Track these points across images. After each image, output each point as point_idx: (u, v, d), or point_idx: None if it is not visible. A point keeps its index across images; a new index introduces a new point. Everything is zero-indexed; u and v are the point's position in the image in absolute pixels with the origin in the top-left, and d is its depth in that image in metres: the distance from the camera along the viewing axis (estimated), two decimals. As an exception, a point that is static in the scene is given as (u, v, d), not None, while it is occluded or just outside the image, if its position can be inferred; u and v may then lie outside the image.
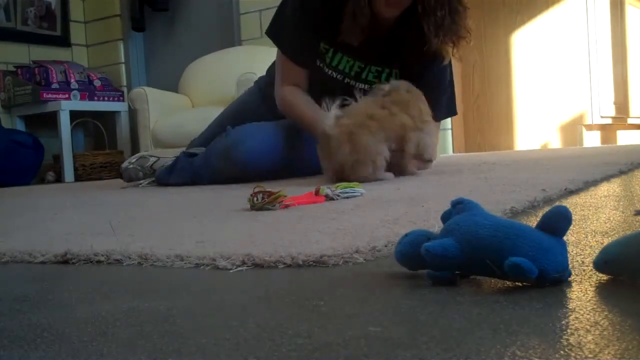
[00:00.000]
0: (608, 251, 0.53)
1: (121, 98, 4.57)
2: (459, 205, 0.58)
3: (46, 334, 0.48)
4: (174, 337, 0.45)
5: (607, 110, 3.71)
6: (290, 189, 1.44)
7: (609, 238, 0.70)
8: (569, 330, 0.40)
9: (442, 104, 2.00)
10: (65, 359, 0.42)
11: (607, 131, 3.89)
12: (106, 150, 4.56)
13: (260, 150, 1.95)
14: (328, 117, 1.65)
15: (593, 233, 0.75)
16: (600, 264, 0.53)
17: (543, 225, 0.53)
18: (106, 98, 4.50)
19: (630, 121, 4.10)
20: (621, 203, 1.02)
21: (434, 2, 1.75)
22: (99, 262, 0.79)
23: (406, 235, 0.60)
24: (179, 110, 4.02)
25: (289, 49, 1.99)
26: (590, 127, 3.67)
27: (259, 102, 2.23)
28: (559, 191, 1.15)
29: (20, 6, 4.54)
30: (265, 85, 2.19)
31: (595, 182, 1.33)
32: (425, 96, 1.89)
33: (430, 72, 1.92)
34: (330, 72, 1.96)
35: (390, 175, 1.69)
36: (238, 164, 1.95)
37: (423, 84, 1.89)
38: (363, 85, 1.96)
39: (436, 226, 0.76)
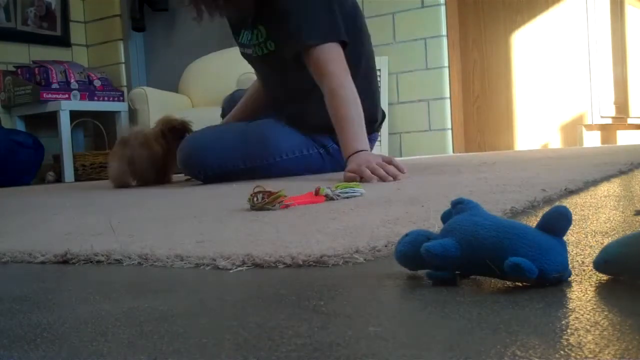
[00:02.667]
0: (608, 251, 0.53)
1: (121, 98, 4.57)
2: (459, 205, 0.58)
3: (46, 334, 0.48)
4: (174, 337, 0.45)
5: (607, 110, 3.71)
6: (290, 189, 1.44)
7: (609, 238, 0.70)
8: (569, 330, 0.40)
9: (302, 28, 1.90)
10: (65, 359, 0.42)
11: (607, 131, 3.89)
12: (106, 150, 4.55)
13: (218, 157, 2.04)
14: None
15: (593, 233, 0.75)
16: (600, 264, 0.53)
17: (543, 225, 0.53)
18: (106, 98, 4.50)
19: (630, 121, 4.10)
20: (621, 203, 1.02)
21: None
22: (99, 262, 0.79)
23: (406, 235, 0.60)
24: (179, 110, 4.01)
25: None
26: (590, 127, 3.67)
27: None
28: (559, 191, 1.15)
29: (20, 6, 4.54)
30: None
31: (595, 182, 1.33)
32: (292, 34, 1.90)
33: (282, 19, 1.93)
34: (244, 50, 2.15)
35: None
36: (197, 171, 2.08)
37: (283, 28, 1.92)
38: (257, 51, 2.07)
39: (436, 226, 0.76)
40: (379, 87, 2.75)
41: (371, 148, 1.89)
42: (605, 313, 0.44)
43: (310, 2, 1.91)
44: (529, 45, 3.74)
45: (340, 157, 1.86)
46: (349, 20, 1.96)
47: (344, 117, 1.75)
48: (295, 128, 2.07)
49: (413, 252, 0.57)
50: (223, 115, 2.47)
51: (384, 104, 3.57)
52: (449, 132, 3.81)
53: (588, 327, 0.40)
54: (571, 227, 0.66)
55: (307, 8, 1.90)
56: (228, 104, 2.45)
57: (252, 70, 3.22)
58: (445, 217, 0.59)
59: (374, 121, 2.14)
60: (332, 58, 1.82)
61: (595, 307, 0.45)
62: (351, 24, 1.97)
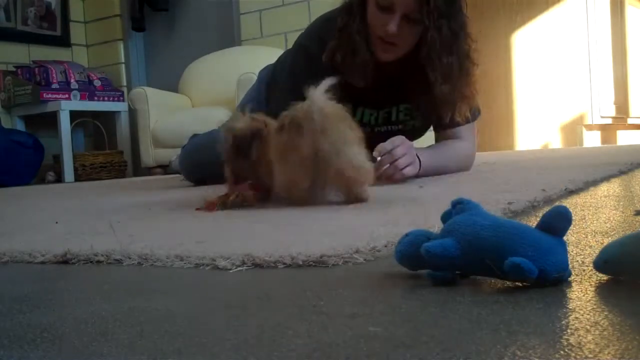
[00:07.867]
0: (608, 251, 0.53)
1: (121, 98, 4.57)
2: (459, 205, 0.58)
3: (46, 334, 0.48)
4: (174, 337, 0.45)
5: (607, 110, 3.71)
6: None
7: (609, 238, 0.70)
8: (569, 330, 0.40)
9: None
10: (65, 359, 0.42)
11: (607, 131, 3.89)
12: (106, 150, 4.55)
13: (209, 163, 2.04)
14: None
15: (593, 233, 0.75)
16: (600, 264, 0.53)
17: (543, 225, 0.53)
18: (106, 98, 4.50)
19: (630, 121, 4.10)
20: (621, 203, 1.02)
21: (439, 46, 1.54)
22: (99, 262, 0.79)
23: (406, 235, 0.60)
24: (179, 110, 4.02)
25: None
26: (590, 127, 3.67)
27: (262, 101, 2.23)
28: (559, 191, 1.15)
29: (20, 6, 4.54)
30: (267, 84, 2.19)
31: (595, 182, 1.33)
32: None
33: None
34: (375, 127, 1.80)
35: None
36: (191, 171, 2.16)
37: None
38: (397, 127, 1.79)
39: (436, 226, 0.76)
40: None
41: None
42: (605, 313, 0.44)
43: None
44: (529, 46, 3.74)
45: None
46: None
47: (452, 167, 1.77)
48: None
49: (413, 252, 0.57)
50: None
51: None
52: (449, 132, 3.80)
53: (588, 327, 0.40)
54: (571, 227, 0.66)
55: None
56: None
57: (252, 70, 3.23)
58: (445, 217, 0.59)
59: None
60: None
61: (595, 307, 0.45)
62: None
